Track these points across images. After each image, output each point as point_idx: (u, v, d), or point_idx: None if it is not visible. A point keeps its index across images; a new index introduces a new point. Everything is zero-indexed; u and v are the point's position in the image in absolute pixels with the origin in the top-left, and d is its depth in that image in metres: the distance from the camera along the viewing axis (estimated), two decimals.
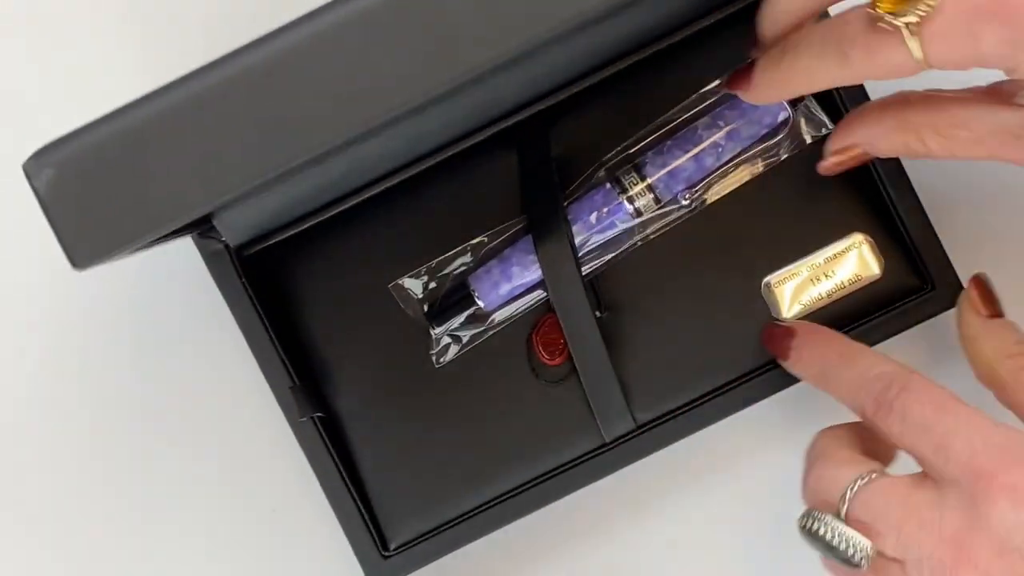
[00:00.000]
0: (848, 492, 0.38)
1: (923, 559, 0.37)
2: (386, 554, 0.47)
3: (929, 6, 0.33)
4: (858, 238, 0.48)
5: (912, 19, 0.34)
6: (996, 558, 0.35)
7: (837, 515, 0.38)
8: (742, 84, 0.41)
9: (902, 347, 0.50)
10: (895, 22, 0.34)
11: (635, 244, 0.48)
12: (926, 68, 0.35)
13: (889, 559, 0.38)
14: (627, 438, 0.47)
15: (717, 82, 0.48)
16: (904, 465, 0.40)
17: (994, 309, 0.44)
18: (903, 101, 0.40)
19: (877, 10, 0.34)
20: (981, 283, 0.44)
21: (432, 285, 0.48)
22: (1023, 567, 0.35)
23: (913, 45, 0.34)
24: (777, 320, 0.47)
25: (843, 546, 0.38)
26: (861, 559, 0.38)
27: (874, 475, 0.39)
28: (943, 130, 0.39)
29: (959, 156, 0.39)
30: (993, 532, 0.35)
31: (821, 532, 0.39)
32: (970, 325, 0.44)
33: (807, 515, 0.39)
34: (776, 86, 0.40)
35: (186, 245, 0.48)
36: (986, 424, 0.37)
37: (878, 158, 0.43)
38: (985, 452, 0.36)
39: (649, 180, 0.47)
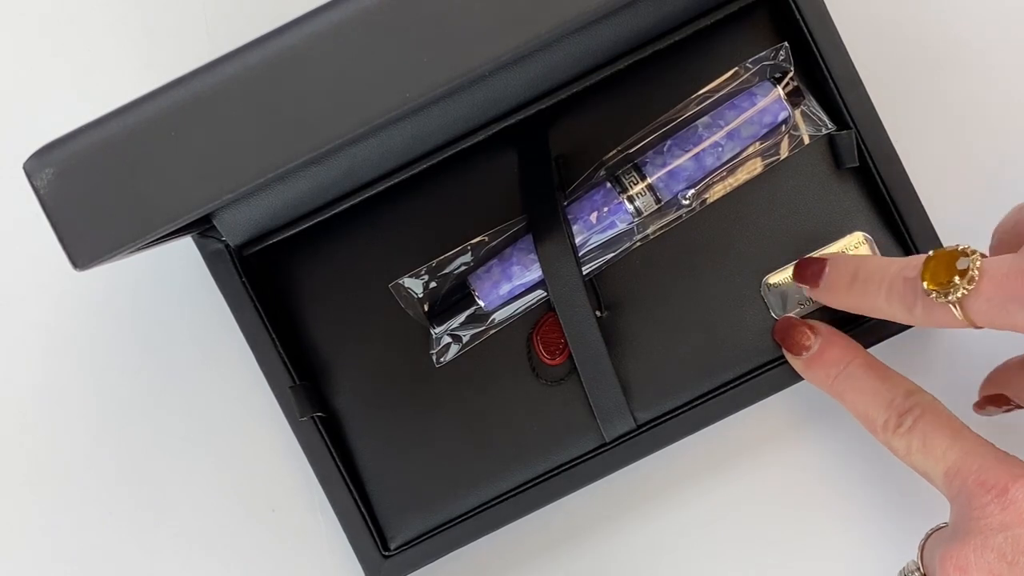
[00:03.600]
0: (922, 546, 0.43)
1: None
2: (386, 554, 0.47)
3: (967, 289, 0.38)
4: (858, 237, 0.48)
5: (953, 299, 0.39)
6: (974, 555, 0.38)
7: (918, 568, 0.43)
8: (810, 281, 0.45)
9: (902, 347, 0.50)
10: (940, 301, 0.39)
11: (635, 244, 0.48)
12: (976, 328, 0.40)
13: None
14: (627, 438, 0.47)
15: (717, 82, 0.48)
16: None
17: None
18: None
19: (926, 286, 0.39)
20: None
21: (432, 285, 0.48)
22: (1000, 566, 0.37)
23: (958, 313, 0.39)
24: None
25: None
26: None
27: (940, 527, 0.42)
28: None
29: None
30: (975, 534, 0.38)
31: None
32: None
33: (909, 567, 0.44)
34: (842, 303, 0.45)
35: (186, 245, 0.48)
36: (998, 451, 0.40)
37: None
38: (992, 470, 0.39)
39: (649, 180, 0.47)
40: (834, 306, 0.45)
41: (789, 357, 0.46)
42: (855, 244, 0.47)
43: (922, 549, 0.42)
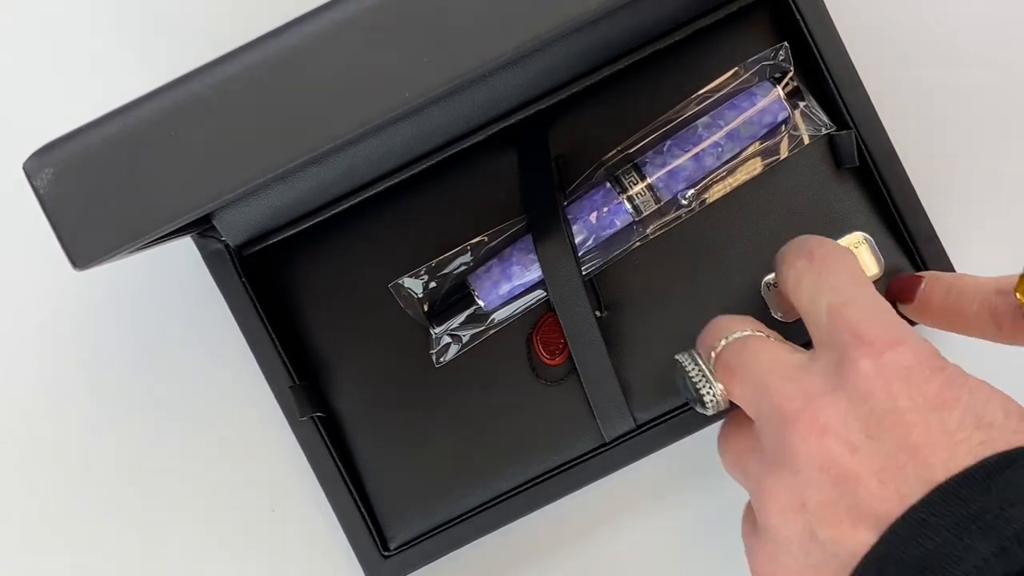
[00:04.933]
0: (725, 340, 0.39)
1: (767, 412, 0.36)
2: (386, 554, 0.47)
3: None
4: (858, 237, 0.48)
5: None
6: (843, 414, 0.34)
7: (708, 357, 0.39)
8: (906, 296, 0.45)
9: None
10: None
11: (635, 244, 0.48)
12: None
13: (747, 421, 0.38)
14: (627, 438, 0.47)
15: (717, 82, 0.48)
16: None
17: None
18: None
19: (1020, 300, 0.39)
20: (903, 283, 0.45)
21: (432, 285, 0.48)
22: (860, 438, 0.34)
23: None
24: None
25: (699, 383, 0.39)
26: (710, 402, 0.38)
27: (759, 333, 0.39)
28: None
29: None
30: (841, 389, 0.34)
31: (686, 367, 0.39)
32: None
33: (683, 352, 0.40)
34: (933, 318, 0.44)
35: (186, 245, 0.48)
36: (885, 307, 0.36)
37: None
38: (874, 324, 0.35)
39: (649, 180, 0.47)
40: (924, 322, 0.45)
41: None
42: (855, 244, 0.47)
43: (728, 340, 0.39)
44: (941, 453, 0.33)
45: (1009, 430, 0.33)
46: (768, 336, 0.39)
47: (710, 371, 0.39)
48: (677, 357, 0.40)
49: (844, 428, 0.34)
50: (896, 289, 0.46)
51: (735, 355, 0.38)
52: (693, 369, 0.39)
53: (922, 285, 0.44)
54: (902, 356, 0.34)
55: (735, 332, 0.39)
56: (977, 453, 0.32)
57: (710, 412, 0.39)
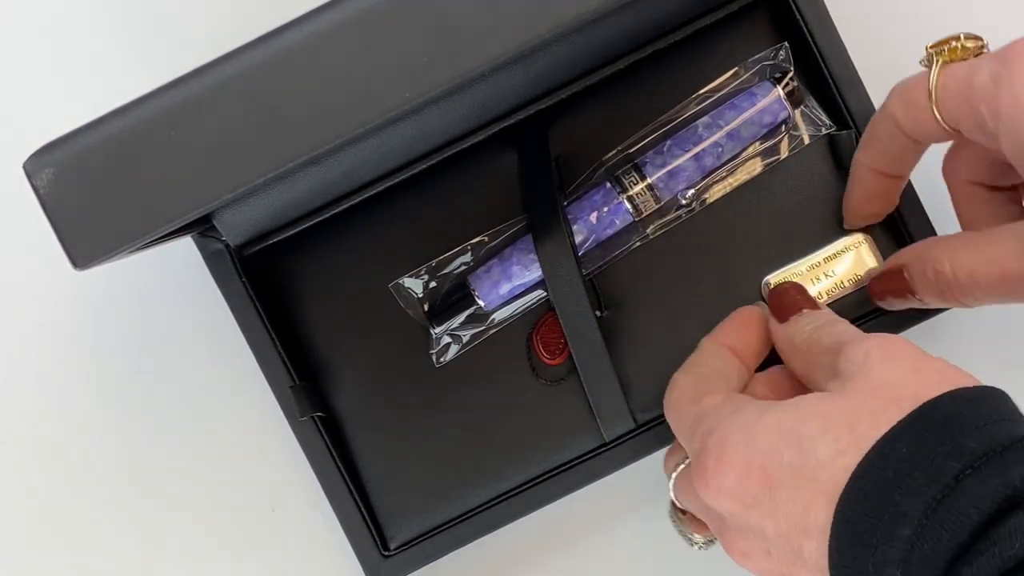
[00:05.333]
0: (672, 478, 0.42)
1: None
2: (386, 554, 0.47)
3: (966, 48, 0.39)
4: (857, 237, 0.47)
5: (947, 57, 0.39)
6: (738, 539, 0.38)
7: (676, 507, 0.43)
8: (900, 292, 0.43)
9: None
10: (937, 58, 0.40)
11: (635, 244, 0.48)
12: (939, 122, 0.39)
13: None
14: (627, 438, 0.47)
15: (717, 82, 0.48)
16: None
17: (792, 312, 0.43)
18: None
19: (927, 50, 0.40)
20: (775, 297, 0.43)
21: (432, 285, 0.48)
22: (759, 541, 0.36)
23: (933, 80, 0.39)
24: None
25: (686, 540, 0.42)
26: (699, 547, 0.43)
27: (682, 466, 0.42)
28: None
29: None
30: (722, 518, 0.38)
31: (674, 525, 0.44)
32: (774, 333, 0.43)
33: (670, 513, 0.44)
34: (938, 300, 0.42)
35: (186, 245, 0.48)
36: (692, 411, 0.40)
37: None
38: (694, 450, 0.38)
39: (649, 180, 0.47)
40: (933, 303, 0.43)
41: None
42: (855, 244, 0.47)
43: (673, 487, 0.42)
44: (809, 527, 0.34)
45: (838, 461, 0.33)
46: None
47: (683, 527, 0.44)
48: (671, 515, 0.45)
49: (747, 545, 0.37)
50: (884, 291, 0.44)
51: (679, 492, 0.42)
52: (678, 528, 0.44)
53: (905, 274, 0.42)
54: (719, 475, 0.36)
55: (672, 469, 0.42)
56: (826, 509, 0.34)
57: (705, 550, 0.45)
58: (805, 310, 0.42)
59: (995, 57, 0.37)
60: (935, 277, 0.40)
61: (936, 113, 0.39)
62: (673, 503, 0.42)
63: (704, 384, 0.41)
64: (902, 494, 0.31)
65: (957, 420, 0.32)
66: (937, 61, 0.39)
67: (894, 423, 0.33)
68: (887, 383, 0.34)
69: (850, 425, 0.33)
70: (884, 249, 0.47)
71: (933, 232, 0.47)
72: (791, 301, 0.42)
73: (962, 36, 0.39)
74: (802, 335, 0.40)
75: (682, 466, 0.42)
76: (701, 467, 0.37)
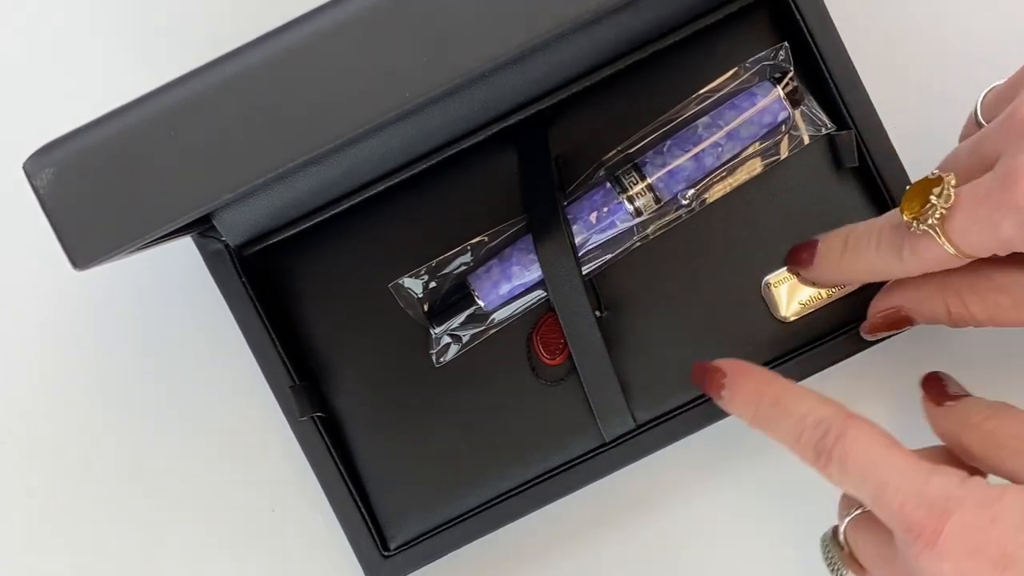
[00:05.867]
0: (843, 525, 0.41)
1: None
2: (386, 554, 0.47)
3: (944, 208, 0.38)
4: None
5: (933, 221, 0.38)
6: None
7: (837, 542, 0.42)
8: (804, 263, 0.46)
9: (901, 347, 0.50)
10: (920, 227, 0.38)
11: (635, 244, 0.48)
12: (966, 258, 0.39)
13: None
14: (627, 438, 0.47)
15: (717, 82, 0.48)
16: None
17: (948, 398, 0.43)
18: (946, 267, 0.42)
19: (904, 217, 0.39)
20: (931, 382, 0.44)
21: (432, 285, 0.48)
22: None
23: (942, 240, 0.38)
24: (707, 362, 0.46)
25: (833, 571, 0.42)
26: None
27: (859, 511, 0.41)
28: (984, 295, 0.41)
29: (1000, 322, 0.41)
30: None
31: (828, 556, 0.42)
32: (929, 415, 0.44)
33: (826, 539, 0.42)
34: (837, 273, 0.45)
35: (186, 245, 0.48)
36: (918, 472, 0.38)
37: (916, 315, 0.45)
38: (915, 507, 0.37)
39: (649, 180, 0.47)
40: (829, 282, 0.46)
41: (714, 400, 0.45)
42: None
43: (844, 520, 0.41)
44: None
45: None
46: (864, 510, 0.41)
47: (840, 566, 0.42)
48: (823, 547, 0.43)
49: None
50: (795, 258, 0.46)
51: (853, 536, 0.41)
52: (831, 564, 0.42)
53: (819, 247, 0.45)
54: (953, 535, 0.36)
55: (846, 512, 0.41)
56: None
57: None
58: (961, 399, 0.43)
59: (1009, 205, 0.37)
60: (949, 317, 0.42)
61: (960, 256, 0.39)
62: (836, 534, 0.42)
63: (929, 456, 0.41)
64: None
65: None
66: (931, 224, 0.38)
67: None
68: None
69: None
70: None
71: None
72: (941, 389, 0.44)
73: (929, 194, 0.39)
74: (977, 424, 0.41)
75: (858, 512, 0.41)
76: (929, 524, 0.36)
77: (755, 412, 0.42)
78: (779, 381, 0.42)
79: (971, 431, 0.41)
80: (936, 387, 0.44)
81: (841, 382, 0.48)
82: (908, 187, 0.39)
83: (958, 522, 0.36)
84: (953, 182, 0.38)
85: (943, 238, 0.38)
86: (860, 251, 0.43)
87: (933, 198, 0.38)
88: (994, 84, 0.43)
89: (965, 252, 0.38)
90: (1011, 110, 0.38)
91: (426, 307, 0.48)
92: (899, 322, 0.44)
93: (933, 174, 0.39)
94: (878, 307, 0.45)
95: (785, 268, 0.47)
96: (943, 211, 0.38)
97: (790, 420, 0.41)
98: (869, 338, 0.46)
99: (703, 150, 0.47)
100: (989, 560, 0.35)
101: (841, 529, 0.41)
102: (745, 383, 0.43)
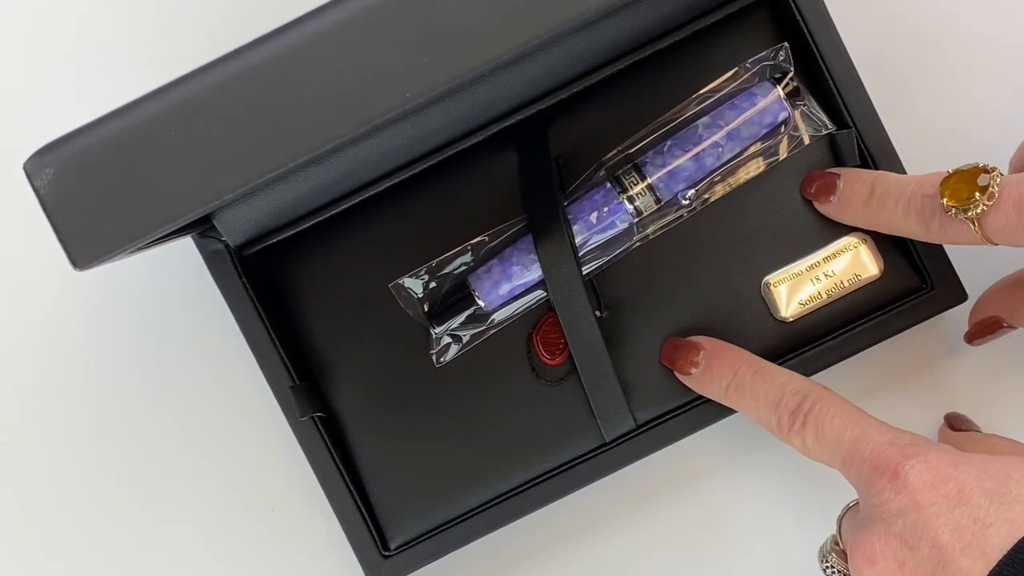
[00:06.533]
0: (841, 519, 0.43)
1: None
2: (386, 554, 0.47)
3: (986, 205, 0.39)
4: (856, 238, 0.47)
5: (973, 215, 0.39)
6: (884, 538, 0.38)
7: (835, 544, 0.43)
8: (822, 195, 0.46)
9: (901, 347, 0.50)
10: (959, 217, 0.40)
11: (635, 244, 0.48)
12: (994, 245, 0.40)
13: None
14: (627, 438, 0.47)
15: (717, 82, 0.48)
16: None
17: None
18: None
19: (945, 203, 0.40)
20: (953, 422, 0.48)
21: (432, 285, 0.48)
22: (903, 552, 0.37)
23: (976, 230, 0.40)
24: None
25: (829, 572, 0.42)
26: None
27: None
28: None
29: None
30: (876, 521, 0.38)
31: (824, 561, 0.43)
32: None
33: (824, 553, 0.43)
34: (855, 218, 0.46)
35: (186, 245, 0.48)
36: (890, 430, 0.40)
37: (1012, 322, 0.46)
38: (882, 452, 0.39)
39: (649, 180, 0.47)
40: (845, 221, 0.46)
41: (680, 377, 0.46)
42: (854, 244, 0.47)
43: (840, 524, 0.42)
44: (970, 547, 0.35)
45: None
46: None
47: (834, 559, 0.43)
48: (820, 558, 0.43)
49: (888, 550, 0.37)
50: (812, 188, 0.47)
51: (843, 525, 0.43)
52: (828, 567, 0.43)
53: (839, 183, 0.46)
54: (914, 469, 0.37)
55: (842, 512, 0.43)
56: (1006, 535, 0.35)
57: None
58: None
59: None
60: (868, 194, 0.44)
61: (988, 243, 0.41)
62: (835, 540, 0.43)
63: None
64: None
65: None
66: (970, 216, 0.40)
67: None
68: None
69: None
70: (884, 249, 0.47)
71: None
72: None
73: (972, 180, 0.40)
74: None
75: (852, 503, 0.42)
76: (893, 462, 0.38)
77: (732, 380, 0.44)
78: (757, 358, 0.45)
79: (974, 444, 0.44)
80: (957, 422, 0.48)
81: (841, 382, 0.48)
82: (952, 171, 0.40)
83: (921, 460, 0.37)
84: (999, 179, 0.39)
85: (978, 229, 0.39)
86: (885, 207, 0.43)
87: (978, 195, 0.39)
88: None
89: (996, 242, 0.40)
90: None
91: (426, 307, 0.48)
92: (994, 326, 0.46)
93: (980, 165, 0.40)
94: (975, 318, 0.47)
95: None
96: (985, 207, 0.39)
97: (770, 386, 0.43)
98: (974, 344, 0.48)
99: (703, 150, 0.47)
100: (945, 495, 0.36)
101: (836, 530, 0.42)
102: (725, 355, 0.45)
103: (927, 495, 0.37)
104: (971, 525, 0.36)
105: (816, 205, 0.47)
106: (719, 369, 0.45)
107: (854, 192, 0.45)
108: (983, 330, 0.47)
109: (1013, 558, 0.34)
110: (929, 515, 0.36)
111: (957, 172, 0.40)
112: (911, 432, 0.40)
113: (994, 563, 0.35)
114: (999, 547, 0.35)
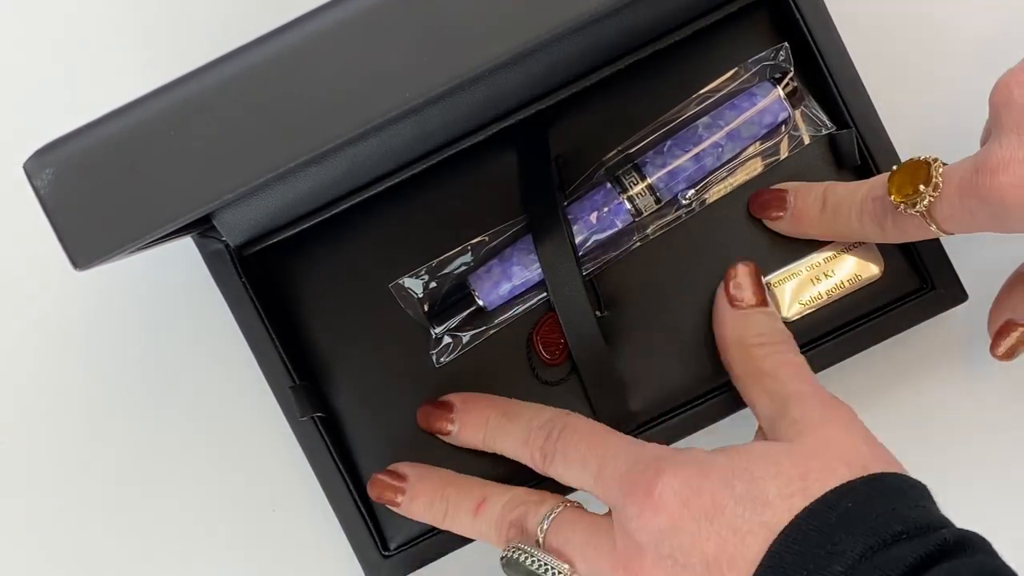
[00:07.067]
0: (545, 521, 0.42)
1: None
2: (386, 554, 0.47)
3: (932, 196, 0.39)
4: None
5: (921, 208, 0.40)
6: (655, 569, 0.37)
7: (537, 543, 0.41)
8: (773, 211, 0.46)
9: (902, 347, 0.50)
10: (910, 212, 0.40)
11: (635, 244, 0.48)
12: (949, 235, 0.41)
13: None
14: None
15: (717, 82, 0.48)
16: None
17: (752, 301, 0.45)
18: None
19: (893, 200, 0.41)
20: (742, 275, 0.46)
21: (432, 285, 0.48)
22: (678, 571, 0.37)
23: (930, 222, 0.40)
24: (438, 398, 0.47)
25: (544, 571, 0.41)
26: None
27: (566, 505, 0.42)
28: None
29: None
30: (645, 545, 0.38)
31: (524, 560, 0.41)
32: (720, 309, 0.46)
33: (510, 547, 0.42)
34: (814, 231, 0.46)
35: (186, 245, 0.48)
36: (634, 447, 0.40)
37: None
38: (630, 472, 0.39)
39: (649, 180, 0.47)
40: (801, 234, 0.46)
41: (444, 438, 0.47)
42: (854, 244, 0.47)
43: (545, 525, 0.41)
44: (735, 560, 0.36)
45: (785, 502, 0.36)
46: (571, 505, 0.42)
47: (548, 557, 0.41)
48: (508, 555, 0.42)
49: (663, 573, 0.37)
50: (761, 206, 0.47)
51: (556, 537, 0.41)
52: (534, 562, 0.41)
53: (789, 198, 0.46)
54: (666, 487, 0.38)
55: (546, 511, 0.42)
56: (763, 540, 0.36)
57: None
58: (760, 309, 0.45)
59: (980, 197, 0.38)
60: (821, 207, 0.45)
61: (944, 234, 0.41)
62: (536, 544, 0.42)
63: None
64: (842, 537, 0.34)
65: (901, 495, 0.36)
66: (919, 210, 0.40)
67: (843, 481, 0.36)
68: (839, 448, 0.38)
69: (801, 474, 0.37)
70: (884, 249, 0.47)
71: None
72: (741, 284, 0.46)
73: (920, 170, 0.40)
74: (752, 342, 0.44)
75: (559, 509, 0.42)
76: (644, 482, 0.38)
77: (486, 429, 0.45)
78: (505, 400, 0.45)
79: (740, 351, 0.44)
80: (747, 282, 0.46)
81: (842, 382, 0.48)
82: (896, 167, 0.41)
83: (671, 477, 0.38)
84: (940, 169, 0.39)
85: (930, 221, 0.40)
86: (840, 216, 0.44)
87: (922, 187, 0.39)
88: None
89: (949, 231, 0.40)
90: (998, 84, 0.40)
91: (426, 307, 0.48)
92: (1009, 328, 0.46)
93: (920, 158, 0.40)
94: (992, 328, 0.47)
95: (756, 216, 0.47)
96: (931, 198, 0.39)
97: (518, 425, 0.43)
98: (1002, 359, 0.47)
99: (703, 150, 0.47)
100: (701, 509, 0.37)
101: (541, 535, 0.41)
102: (472, 407, 0.45)
103: (684, 512, 0.37)
104: (731, 536, 0.36)
105: (768, 223, 0.47)
106: (472, 422, 0.45)
107: (806, 205, 0.45)
108: (1001, 334, 0.46)
109: (770, 561, 0.35)
110: (691, 532, 0.37)
111: (900, 168, 0.41)
112: (654, 444, 0.40)
113: (756, 566, 0.35)
114: (759, 553, 0.36)
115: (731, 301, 0.45)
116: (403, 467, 0.46)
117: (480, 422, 0.45)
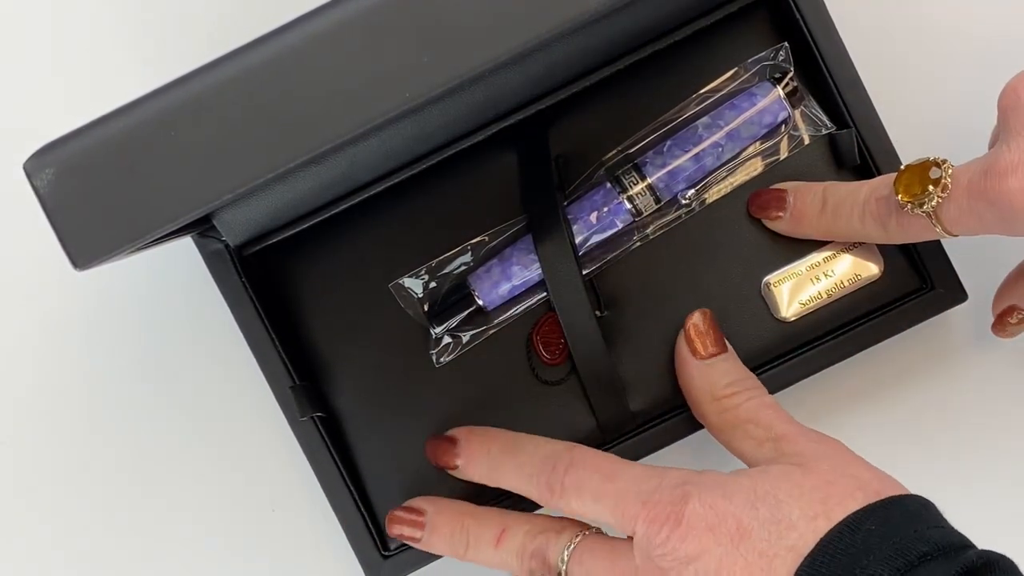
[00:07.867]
0: (565, 552, 0.41)
1: None
2: (386, 554, 0.47)
3: (941, 197, 0.39)
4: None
5: (928, 208, 0.40)
6: None
7: (559, 575, 0.41)
8: (772, 211, 0.46)
9: (902, 347, 0.50)
10: (916, 212, 0.40)
11: (635, 244, 0.48)
12: (952, 237, 0.41)
13: None
14: (627, 438, 0.47)
15: (717, 82, 0.48)
16: None
17: (713, 350, 0.45)
18: None
19: (900, 199, 0.40)
20: (700, 324, 0.45)
21: (432, 285, 0.48)
22: None
23: (935, 223, 0.40)
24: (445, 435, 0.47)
25: None
26: None
27: (586, 533, 0.42)
28: None
29: None
30: (669, 571, 0.38)
31: None
32: (684, 363, 0.45)
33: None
34: (811, 230, 0.46)
35: (186, 245, 0.48)
36: (650, 473, 0.40)
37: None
38: (652, 499, 0.39)
39: (649, 180, 0.47)
40: (800, 234, 0.46)
41: (451, 472, 0.46)
42: (854, 243, 0.47)
43: (566, 556, 0.41)
44: None
45: (809, 524, 0.36)
46: (590, 533, 0.42)
47: None
48: None
49: None
50: (761, 206, 0.47)
51: (579, 568, 0.41)
52: None
53: (789, 198, 0.46)
54: (693, 513, 0.38)
55: (566, 541, 0.42)
56: (791, 563, 0.36)
57: None
58: (721, 355, 0.45)
59: (989, 200, 0.38)
60: (821, 207, 0.45)
61: (948, 235, 0.41)
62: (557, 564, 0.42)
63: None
64: (870, 560, 0.34)
65: (919, 516, 0.37)
66: (926, 210, 0.40)
67: (862, 506, 0.36)
68: (852, 474, 0.38)
69: (822, 498, 0.37)
70: (884, 249, 0.47)
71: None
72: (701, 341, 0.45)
73: (924, 177, 0.40)
74: (724, 392, 0.44)
75: (578, 538, 0.41)
76: (669, 509, 0.38)
77: (488, 463, 0.44)
78: (506, 433, 0.45)
79: (713, 404, 0.43)
80: (702, 333, 0.45)
81: (841, 382, 0.48)
82: (904, 167, 0.41)
83: (696, 502, 0.38)
84: (950, 171, 0.39)
85: (936, 222, 0.40)
86: (841, 216, 0.44)
87: (931, 187, 0.39)
88: None
89: (954, 233, 0.40)
90: (1005, 89, 0.40)
91: (426, 307, 0.48)
92: (1011, 312, 0.47)
93: (930, 158, 0.40)
94: (996, 309, 0.47)
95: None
96: (940, 199, 0.39)
97: (519, 459, 0.43)
98: (1000, 336, 0.48)
99: (703, 150, 0.47)
100: (728, 535, 0.37)
101: (563, 565, 0.41)
102: (474, 441, 0.45)
103: (711, 537, 0.37)
104: (758, 560, 0.36)
105: (767, 223, 0.47)
106: (475, 456, 0.45)
107: (806, 205, 0.45)
108: (1006, 318, 0.47)
109: None
110: (718, 557, 0.37)
111: (908, 168, 0.41)
112: (672, 468, 0.40)
113: None
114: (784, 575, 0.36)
115: (693, 352, 0.45)
116: (419, 502, 0.46)
117: (482, 456, 0.45)
